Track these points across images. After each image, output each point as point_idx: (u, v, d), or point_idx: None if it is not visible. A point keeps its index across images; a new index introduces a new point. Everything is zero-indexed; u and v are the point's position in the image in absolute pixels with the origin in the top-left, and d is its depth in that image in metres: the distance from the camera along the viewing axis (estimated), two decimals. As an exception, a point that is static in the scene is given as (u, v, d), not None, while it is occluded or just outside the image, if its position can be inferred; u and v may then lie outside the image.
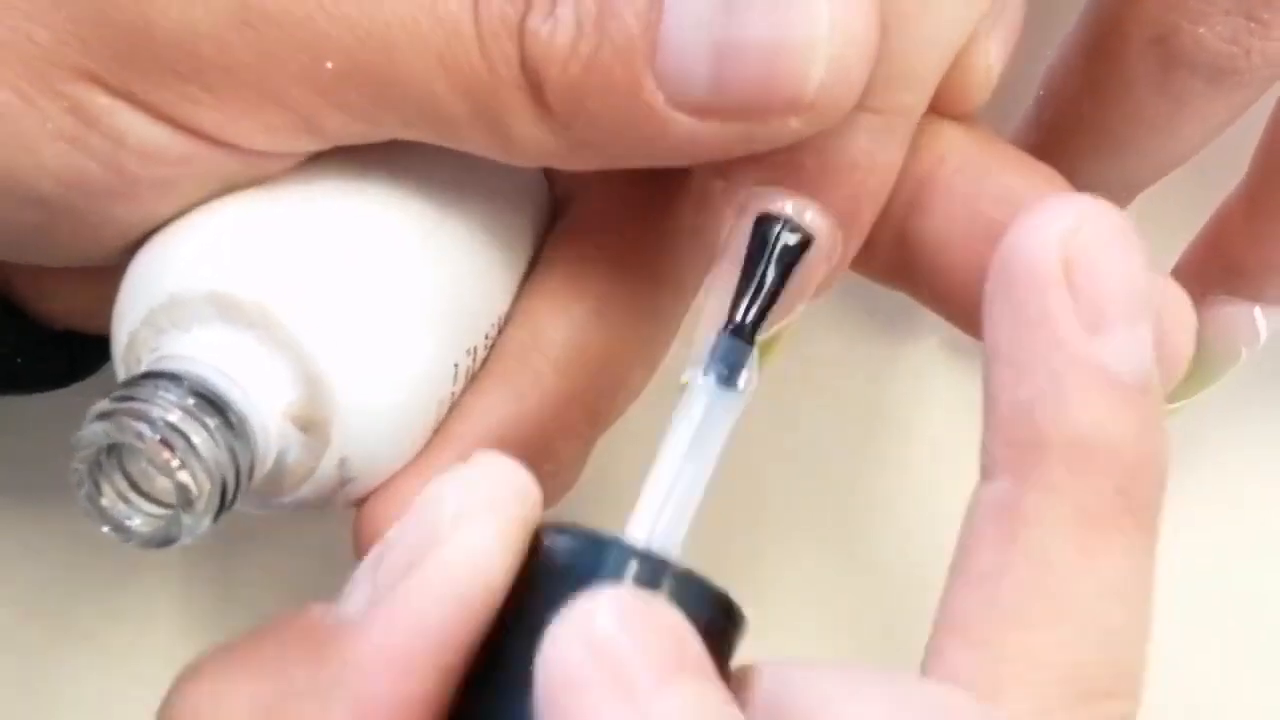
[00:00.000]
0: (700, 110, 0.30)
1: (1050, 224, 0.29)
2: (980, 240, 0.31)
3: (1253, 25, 0.34)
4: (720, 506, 0.44)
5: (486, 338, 0.35)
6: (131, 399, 0.30)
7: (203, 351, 0.31)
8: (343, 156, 0.33)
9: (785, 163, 0.31)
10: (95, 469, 0.30)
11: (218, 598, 0.45)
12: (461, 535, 0.28)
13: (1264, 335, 0.39)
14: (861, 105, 0.31)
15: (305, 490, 0.32)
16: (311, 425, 0.32)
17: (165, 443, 0.30)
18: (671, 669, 0.26)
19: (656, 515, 0.30)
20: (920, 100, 0.32)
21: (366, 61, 0.30)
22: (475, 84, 0.31)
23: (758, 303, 0.31)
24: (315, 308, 0.31)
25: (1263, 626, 0.45)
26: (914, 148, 0.32)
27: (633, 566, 0.28)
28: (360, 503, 0.34)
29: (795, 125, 0.30)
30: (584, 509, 0.43)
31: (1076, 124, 0.37)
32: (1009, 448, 0.29)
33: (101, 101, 0.31)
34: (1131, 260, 0.29)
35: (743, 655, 0.45)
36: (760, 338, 0.31)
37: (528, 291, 0.36)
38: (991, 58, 0.33)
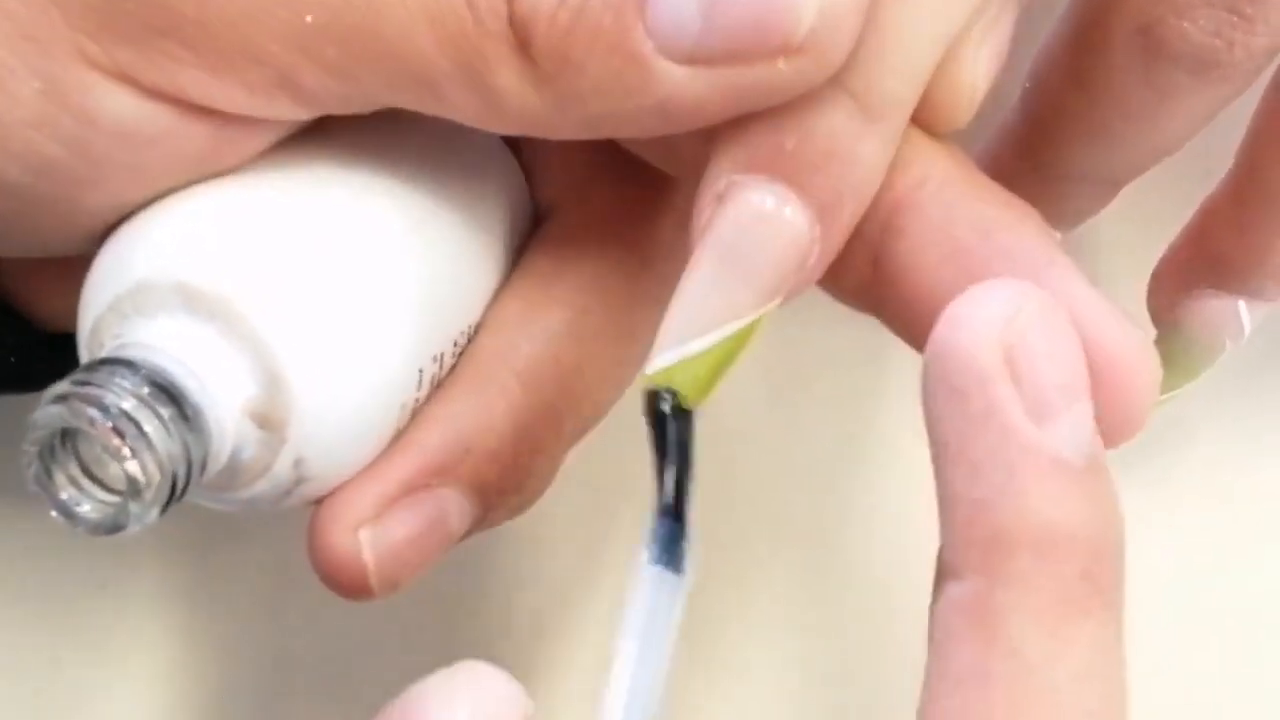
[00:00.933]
0: (689, 58, 0.30)
1: (984, 314, 0.29)
2: (951, 268, 0.31)
3: (1235, 19, 0.35)
4: (713, 506, 0.44)
5: (455, 345, 0.34)
6: (87, 384, 0.30)
7: (164, 341, 0.31)
8: (322, 151, 0.33)
9: (766, 144, 0.31)
10: (47, 452, 0.30)
11: (217, 595, 0.46)
12: None
13: (1248, 329, 0.39)
14: (846, 88, 0.31)
15: (259, 487, 0.32)
16: (269, 422, 0.32)
17: (117, 430, 0.30)
18: None
19: (626, 708, 0.30)
20: (907, 93, 0.31)
21: (347, 13, 0.30)
22: (460, 37, 0.30)
23: (679, 480, 0.31)
24: (279, 304, 0.31)
25: (1258, 623, 0.45)
26: (894, 166, 0.32)
27: None
28: (315, 504, 0.33)
29: (785, 70, 0.30)
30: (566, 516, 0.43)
31: (1061, 116, 0.37)
32: (972, 547, 0.29)
33: (75, 77, 0.30)
34: (1066, 340, 0.29)
35: (734, 650, 0.45)
36: (689, 511, 0.31)
37: (501, 300, 0.36)
38: (979, 74, 0.32)
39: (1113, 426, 0.31)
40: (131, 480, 0.30)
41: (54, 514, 0.31)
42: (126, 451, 0.30)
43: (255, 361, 0.31)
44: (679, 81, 0.30)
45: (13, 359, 0.36)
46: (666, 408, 0.31)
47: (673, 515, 0.31)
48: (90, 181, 0.31)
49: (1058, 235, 0.33)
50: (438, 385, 0.34)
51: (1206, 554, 0.45)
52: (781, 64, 0.30)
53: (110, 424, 0.30)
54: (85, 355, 0.32)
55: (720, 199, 0.31)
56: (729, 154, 0.31)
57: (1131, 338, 0.31)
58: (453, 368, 0.35)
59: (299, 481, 0.32)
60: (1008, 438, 0.29)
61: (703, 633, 0.45)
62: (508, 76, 0.31)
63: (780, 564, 0.45)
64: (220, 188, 0.32)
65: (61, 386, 0.30)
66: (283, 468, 0.32)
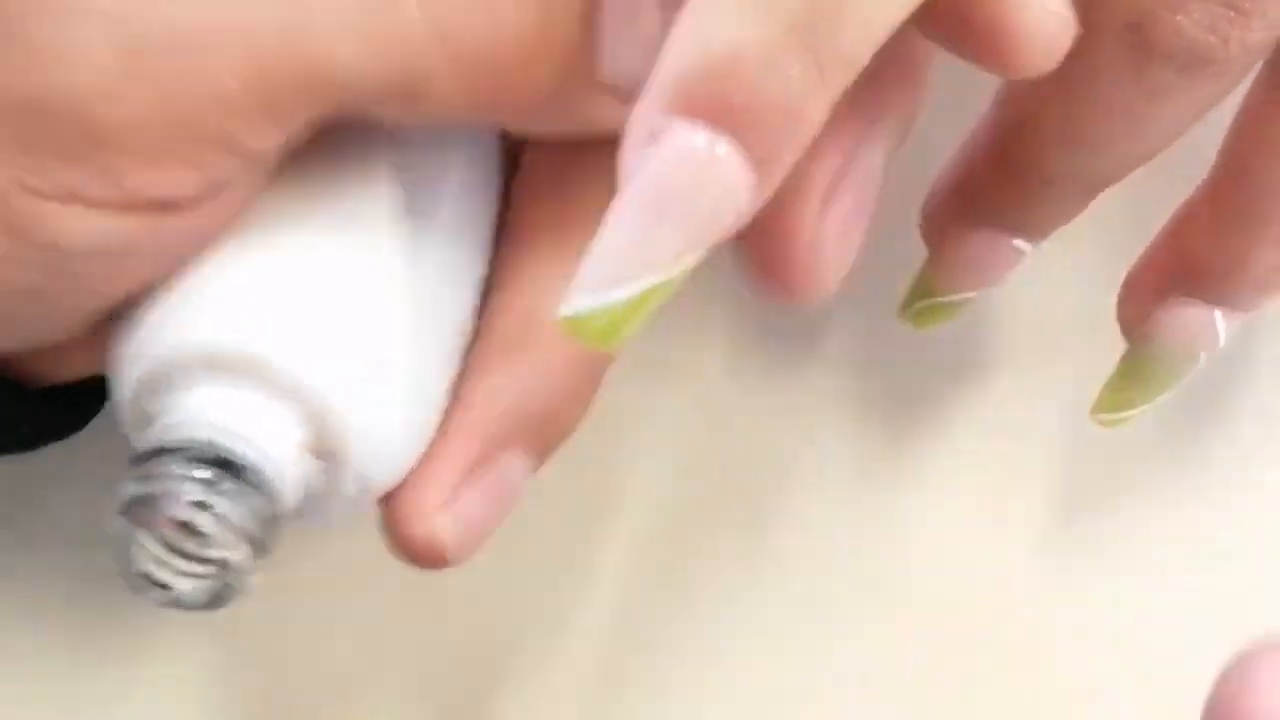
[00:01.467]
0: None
1: (1271, 676, 0.29)
2: None
3: (1232, 14, 0.34)
4: (713, 511, 0.44)
5: (474, 308, 0.35)
6: (148, 482, 0.31)
7: (204, 413, 0.32)
8: (293, 178, 0.33)
9: (712, 99, 0.29)
10: (132, 552, 0.31)
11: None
12: None
13: (1223, 339, 0.38)
14: (801, 45, 0.29)
15: (331, 507, 0.33)
16: (325, 453, 0.32)
17: (189, 525, 0.31)
18: None
19: None
20: (863, 52, 0.30)
21: (269, 64, 0.30)
22: (395, 49, 0.31)
23: None
24: (302, 346, 0.32)
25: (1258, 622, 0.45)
26: None
27: None
28: (384, 500, 0.34)
29: None
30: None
31: (1042, 117, 0.36)
32: None
33: (25, 209, 0.30)
34: None
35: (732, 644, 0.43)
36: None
37: (514, 259, 0.35)
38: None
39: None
40: (219, 562, 0.31)
41: (159, 604, 0.32)
42: (206, 538, 0.31)
43: (297, 406, 0.32)
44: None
45: (17, 423, 0.35)
46: None
47: None
48: (72, 293, 0.32)
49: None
50: (467, 352, 0.35)
51: (1200, 557, 0.45)
52: None
53: (183, 520, 0.31)
54: (130, 433, 0.33)
55: (653, 137, 0.29)
56: (667, 98, 0.30)
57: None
58: (479, 330, 0.35)
59: (365, 491, 0.34)
60: None
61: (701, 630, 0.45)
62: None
63: (776, 561, 0.45)
64: (211, 251, 0.33)
65: (125, 489, 0.31)
66: (348, 484, 0.33)
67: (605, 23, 0.31)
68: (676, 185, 0.29)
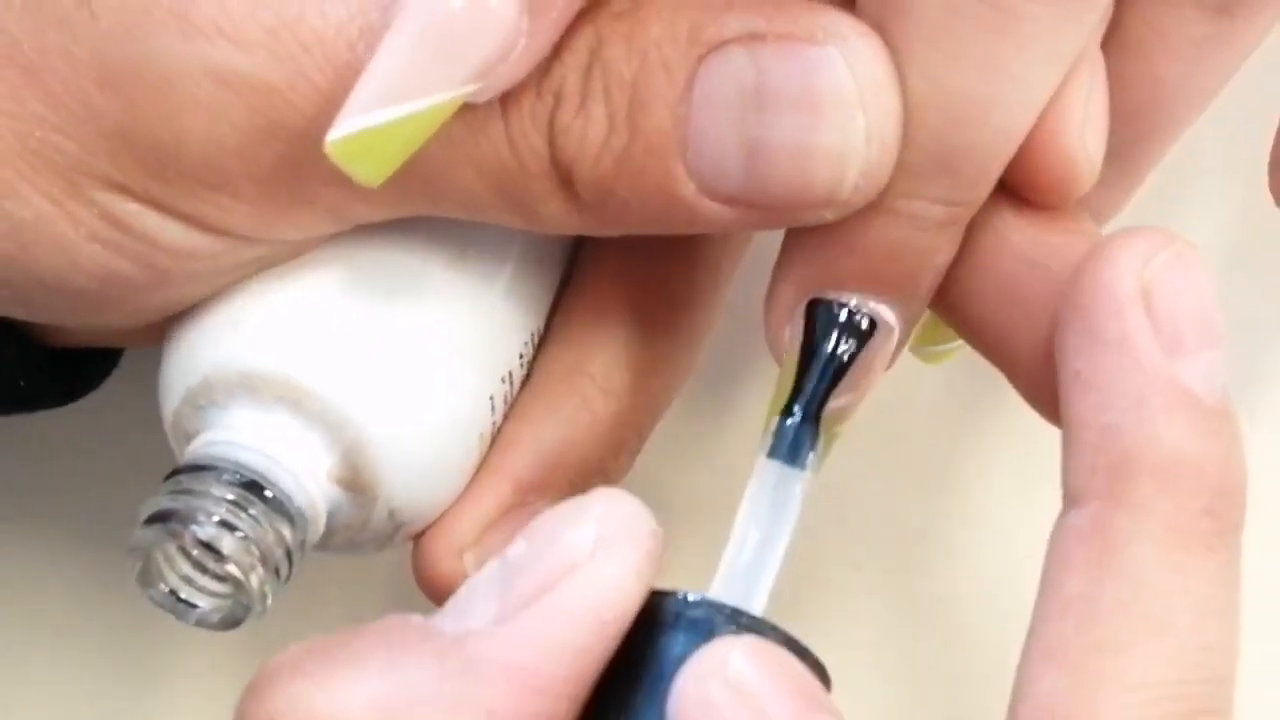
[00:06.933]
0: (731, 200, 0.30)
1: (1126, 254, 0.29)
2: (1003, 297, 0.32)
3: None
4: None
5: (521, 358, 0.35)
6: (178, 497, 0.31)
7: (240, 433, 0.32)
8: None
9: (836, 266, 0.31)
10: (156, 562, 0.31)
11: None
12: (602, 564, 0.28)
13: None
14: (923, 195, 0.31)
15: (361, 538, 0.34)
16: (356, 486, 0.33)
17: (211, 546, 0.31)
18: (803, 709, 0.28)
19: (739, 587, 0.31)
20: (980, 194, 0.31)
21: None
22: (504, 177, 0.31)
23: (820, 387, 0.32)
24: (341, 377, 0.32)
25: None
26: None
27: (744, 621, 0.29)
28: (417, 537, 0.34)
29: (829, 216, 0.30)
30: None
31: None
32: (1095, 472, 0.29)
33: (131, 208, 0.31)
34: (1203, 287, 0.30)
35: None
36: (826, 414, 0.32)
37: (569, 312, 0.36)
38: (1091, 146, 0.32)
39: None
40: (236, 583, 0.31)
41: (175, 617, 0.32)
42: (228, 565, 0.31)
43: (330, 434, 0.32)
44: (722, 214, 0.31)
45: (21, 381, 0.36)
46: (843, 315, 0.32)
47: (811, 419, 0.31)
48: (154, 286, 0.32)
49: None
50: (511, 402, 0.35)
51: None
52: (827, 213, 0.30)
53: (206, 538, 0.31)
54: (173, 443, 0.33)
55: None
56: (797, 269, 0.32)
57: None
58: (525, 379, 0.35)
59: (397, 527, 0.34)
60: (1140, 364, 0.29)
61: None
62: (552, 206, 0.31)
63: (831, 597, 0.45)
64: (269, 277, 0.33)
65: (155, 502, 0.31)
66: (379, 520, 0.33)
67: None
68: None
